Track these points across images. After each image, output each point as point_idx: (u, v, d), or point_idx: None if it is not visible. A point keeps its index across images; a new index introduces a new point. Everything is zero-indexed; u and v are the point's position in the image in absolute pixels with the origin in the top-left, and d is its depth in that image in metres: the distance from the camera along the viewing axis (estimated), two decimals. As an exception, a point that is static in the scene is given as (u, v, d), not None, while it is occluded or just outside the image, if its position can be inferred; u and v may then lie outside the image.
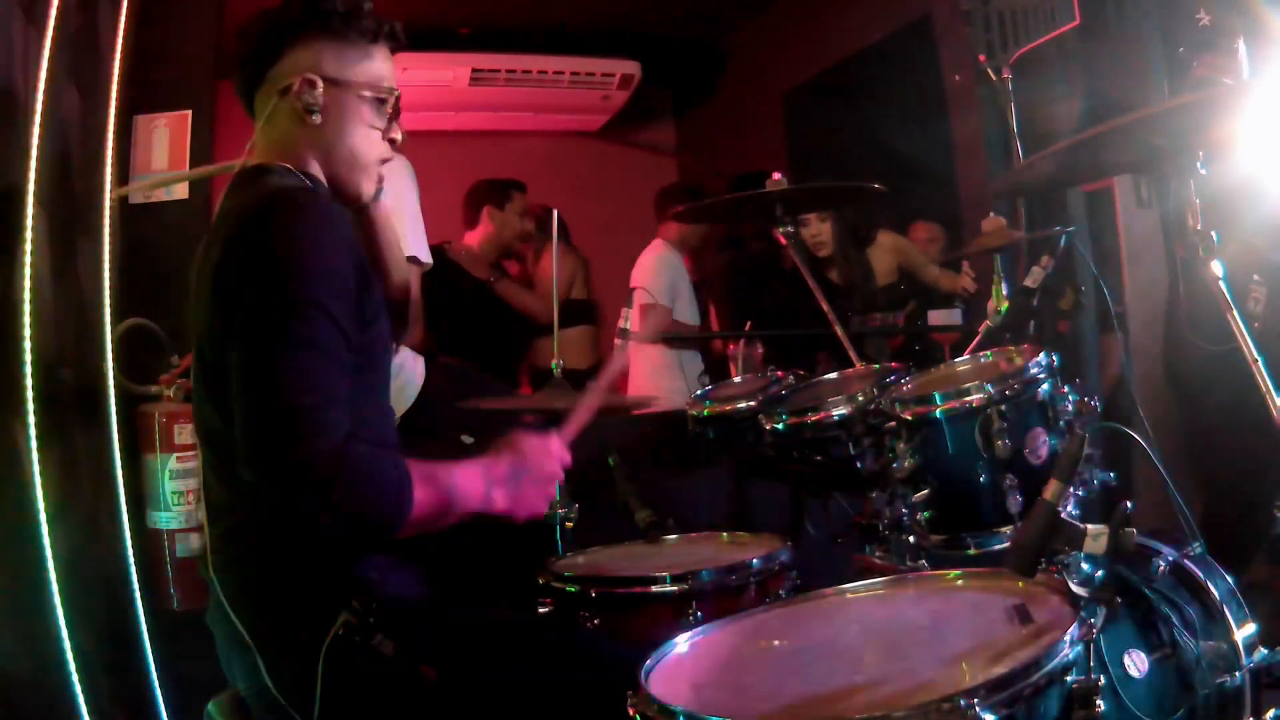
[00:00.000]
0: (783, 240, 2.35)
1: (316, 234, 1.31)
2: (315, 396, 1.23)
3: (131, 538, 2.35)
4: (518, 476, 1.39)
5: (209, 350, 1.35)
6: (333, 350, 1.27)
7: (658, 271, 3.96)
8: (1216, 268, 1.63)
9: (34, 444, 1.93)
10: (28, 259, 1.97)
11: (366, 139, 1.50)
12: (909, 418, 1.62)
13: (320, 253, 1.30)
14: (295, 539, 1.32)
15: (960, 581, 1.37)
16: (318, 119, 1.45)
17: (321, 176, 1.49)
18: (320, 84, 1.44)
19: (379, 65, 1.51)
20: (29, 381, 1.94)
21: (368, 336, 1.36)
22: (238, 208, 1.38)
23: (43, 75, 2.08)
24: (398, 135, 1.55)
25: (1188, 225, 1.62)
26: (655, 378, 3.86)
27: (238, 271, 1.30)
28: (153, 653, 2.31)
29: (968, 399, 1.56)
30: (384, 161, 1.56)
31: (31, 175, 2.01)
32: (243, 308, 1.27)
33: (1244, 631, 1.45)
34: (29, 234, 1.98)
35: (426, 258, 2.68)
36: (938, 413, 1.58)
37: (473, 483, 1.35)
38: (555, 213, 2.34)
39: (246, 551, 1.37)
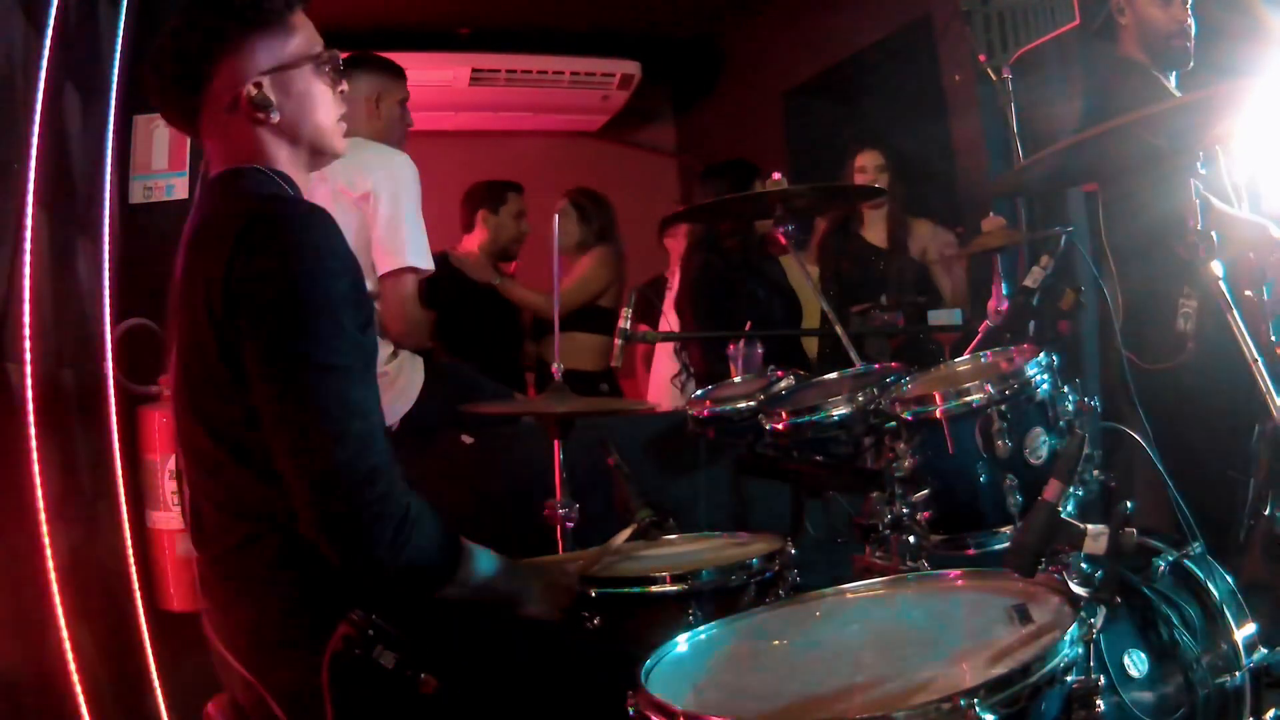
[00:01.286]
0: (783, 240, 2.35)
1: (323, 249, 1.30)
2: (363, 423, 1.25)
3: (131, 538, 2.35)
4: (534, 578, 1.47)
5: (200, 367, 1.33)
6: (356, 369, 1.28)
7: None
8: (1216, 268, 1.63)
9: (34, 444, 1.93)
10: (28, 259, 1.97)
11: (325, 105, 1.47)
12: (909, 418, 1.62)
13: (331, 269, 1.29)
14: (291, 557, 1.31)
15: (960, 581, 1.37)
16: (276, 116, 1.41)
17: (294, 168, 1.46)
18: (266, 81, 1.40)
19: (305, 31, 1.46)
20: (29, 381, 1.94)
21: (366, 340, 1.36)
22: (227, 218, 1.34)
23: (43, 75, 2.08)
24: (345, 86, 1.51)
25: (1188, 225, 1.63)
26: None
27: (245, 296, 1.27)
28: (153, 653, 2.31)
29: (968, 399, 1.56)
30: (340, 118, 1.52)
31: (31, 175, 2.01)
32: (262, 337, 1.26)
33: (1244, 631, 1.45)
34: (29, 234, 1.98)
35: (426, 265, 2.63)
36: (938, 413, 1.58)
37: (490, 561, 1.40)
38: (556, 218, 2.33)
39: (238, 574, 1.35)
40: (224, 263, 1.29)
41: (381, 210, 2.59)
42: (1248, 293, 2.32)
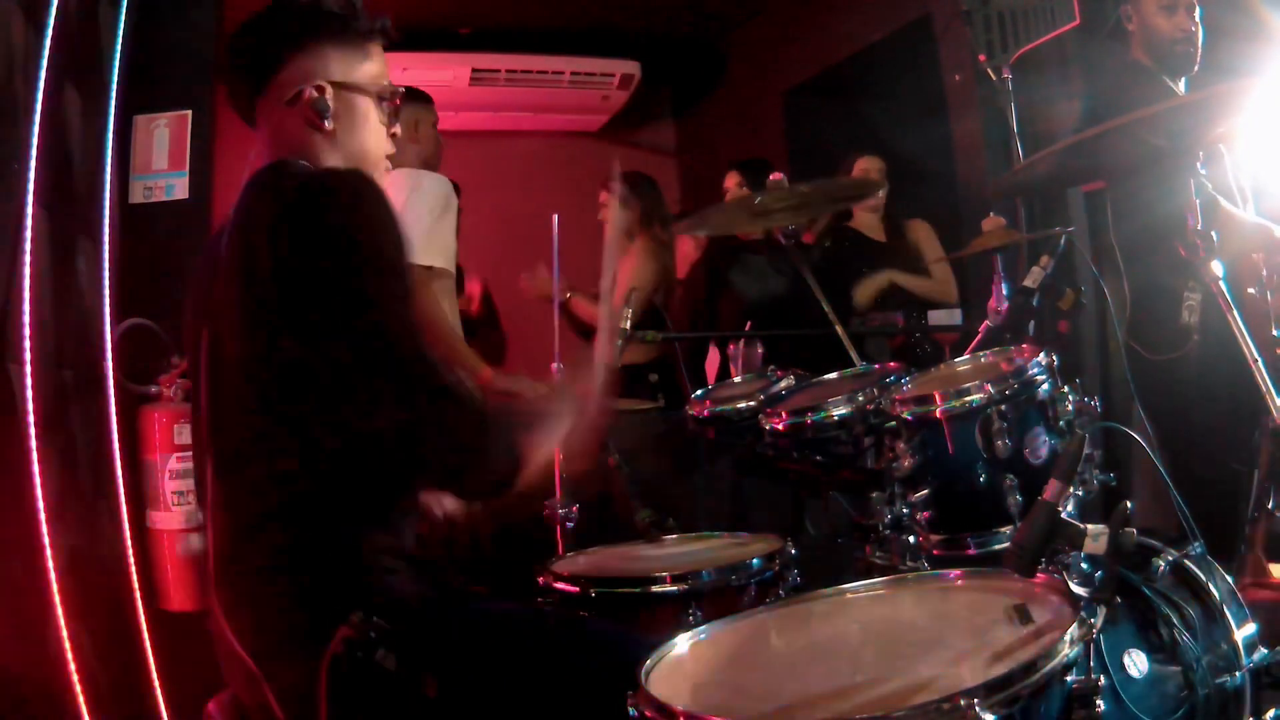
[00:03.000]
0: (782, 240, 2.36)
1: (379, 210, 1.32)
2: (425, 349, 1.29)
3: (131, 538, 2.35)
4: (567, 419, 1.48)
5: (239, 346, 1.32)
6: (409, 310, 1.32)
7: None
8: (1216, 268, 1.63)
9: (34, 444, 1.94)
10: (28, 259, 1.97)
11: (376, 138, 1.51)
12: (909, 418, 1.62)
13: (387, 229, 1.32)
14: (305, 542, 1.32)
15: (960, 581, 1.37)
16: (330, 124, 1.45)
17: None
18: (329, 89, 1.44)
19: (377, 63, 1.51)
20: (29, 381, 1.94)
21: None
22: (277, 194, 1.36)
23: (43, 75, 2.08)
24: (398, 130, 1.55)
25: (1187, 225, 1.63)
26: None
27: (307, 257, 1.28)
28: (153, 653, 2.31)
29: (968, 399, 1.56)
30: (389, 157, 1.55)
31: (31, 175, 2.01)
32: (329, 294, 1.27)
33: (1244, 631, 1.45)
34: (29, 234, 1.98)
35: (437, 263, 2.79)
36: (938, 413, 1.58)
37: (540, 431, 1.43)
38: (555, 218, 2.33)
39: (253, 557, 1.35)
40: (277, 230, 1.30)
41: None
42: (1250, 290, 2.32)
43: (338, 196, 1.32)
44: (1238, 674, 1.40)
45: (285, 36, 1.45)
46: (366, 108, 1.49)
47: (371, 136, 1.50)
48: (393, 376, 1.25)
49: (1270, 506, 2.30)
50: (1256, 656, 1.42)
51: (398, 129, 1.55)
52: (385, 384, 1.25)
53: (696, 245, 4.14)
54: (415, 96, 3.06)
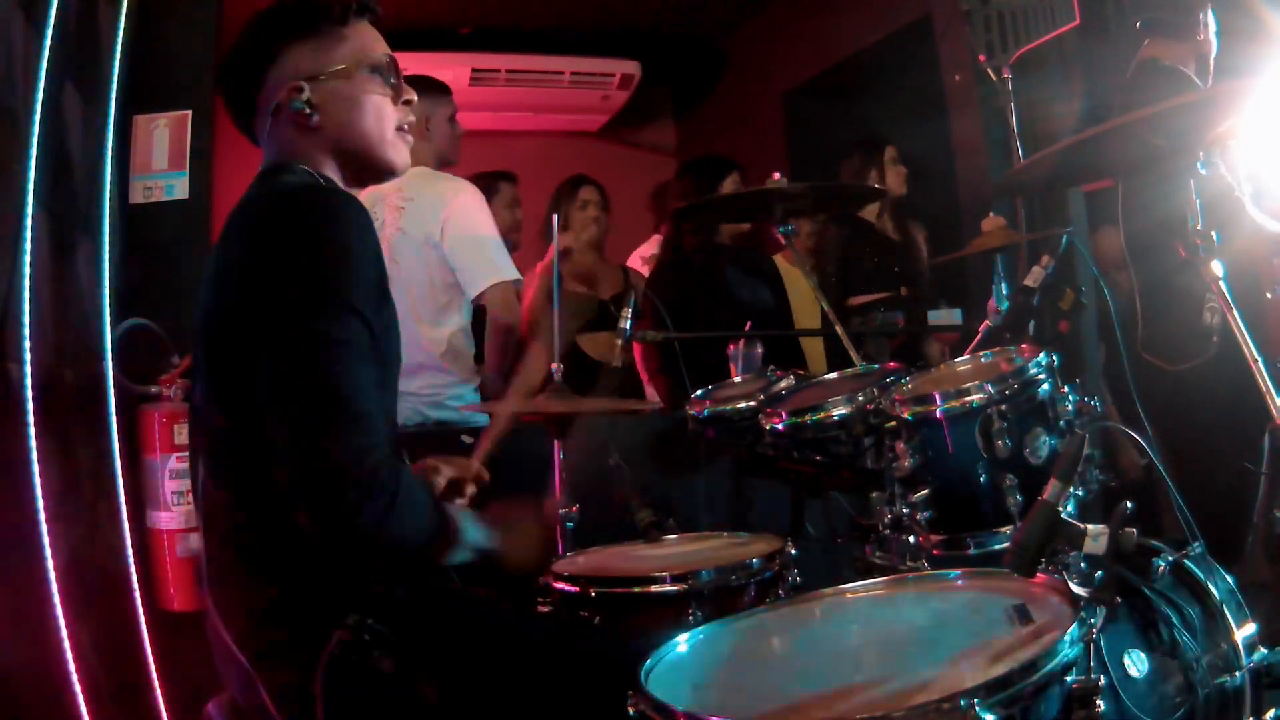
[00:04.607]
0: (782, 240, 2.36)
1: (345, 232, 1.30)
2: (365, 403, 1.24)
3: (131, 538, 2.35)
4: (511, 535, 1.45)
5: (224, 347, 1.34)
6: (366, 351, 1.28)
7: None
8: (1217, 268, 1.63)
9: (34, 444, 1.94)
10: (28, 259, 1.97)
11: (376, 115, 1.47)
12: (909, 418, 1.62)
13: (350, 251, 1.30)
14: (293, 545, 1.31)
15: (960, 581, 1.37)
16: (317, 119, 1.43)
17: (336, 173, 1.47)
18: (305, 86, 1.42)
19: (360, 40, 1.47)
20: (29, 381, 1.94)
21: (385, 331, 1.36)
22: (260, 202, 1.38)
23: (43, 75, 2.08)
24: (412, 96, 1.52)
25: (1188, 225, 1.63)
26: None
27: (267, 270, 1.28)
28: (153, 653, 2.31)
29: (968, 399, 1.56)
30: (404, 128, 1.52)
31: (31, 175, 2.01)
32: (276, 309, 1.26)
33: (1244, 631, 1.45)
34: (29, 234, 1.98)
35: (517, 275, 2.80)
36: (938, 413, 1.58)
37: (474, 529, 1.40)
38: (555, 218, 2.34)
39: (242, 559, 1.35)
40: (252, 242, 1.31)
41: (460, 240, 2.74)
42: (1268, 295, 2.32)
43: (301, 230, 1.29)
44: (1238, 674, 1.40)
45: (256, 57, 1.44)
46: (357, 90, 1.45)
47: (369, 116, 1.46)
48: (297, 405, 1.22)
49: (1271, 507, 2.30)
50: (1256, 656, 1.42)
51: (410, 94, 1.52)
52: (286, 410, 1.22)
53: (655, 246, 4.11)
54: (423, 87, 2.89)
